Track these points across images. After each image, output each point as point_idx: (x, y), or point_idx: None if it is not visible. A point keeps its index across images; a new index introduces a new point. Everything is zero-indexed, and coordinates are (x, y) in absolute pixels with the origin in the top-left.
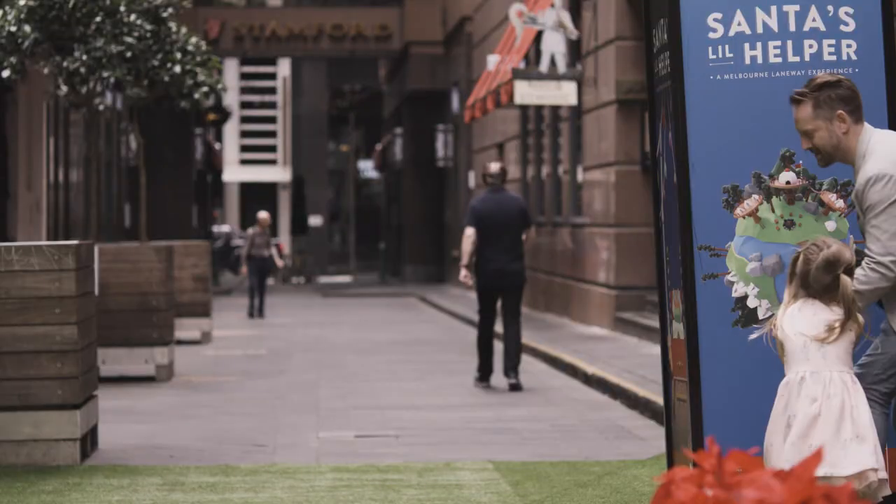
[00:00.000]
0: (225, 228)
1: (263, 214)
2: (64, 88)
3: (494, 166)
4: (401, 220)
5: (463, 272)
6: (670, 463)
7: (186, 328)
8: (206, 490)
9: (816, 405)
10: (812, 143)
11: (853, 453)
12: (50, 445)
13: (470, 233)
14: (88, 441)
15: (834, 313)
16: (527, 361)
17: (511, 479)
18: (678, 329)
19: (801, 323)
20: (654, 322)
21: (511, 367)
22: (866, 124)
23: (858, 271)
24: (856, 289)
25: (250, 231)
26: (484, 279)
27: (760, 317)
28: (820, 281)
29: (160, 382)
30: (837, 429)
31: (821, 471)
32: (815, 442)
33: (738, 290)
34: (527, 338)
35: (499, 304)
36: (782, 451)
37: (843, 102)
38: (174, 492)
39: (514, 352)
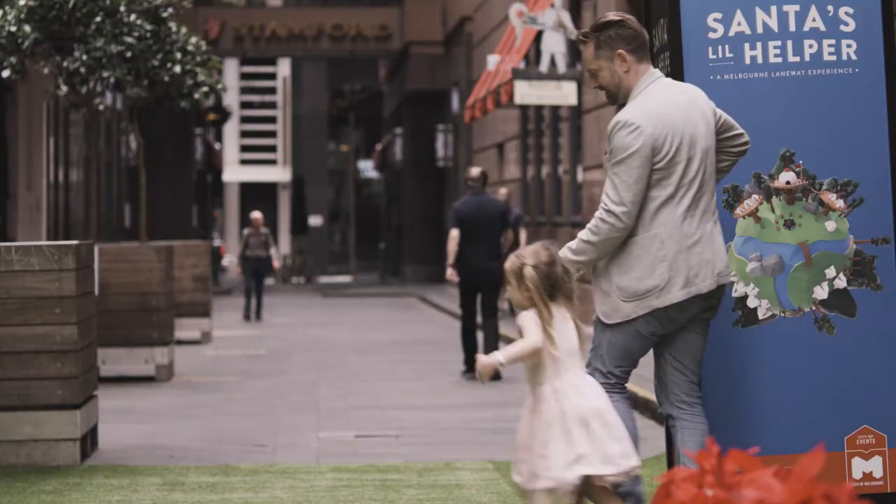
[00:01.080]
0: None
1: (256, 214)
2: (64, 88)
3: (475, 171)
4: (401, 220)
5: (449, 271)
6: (670, 463)
7: (186, 328)
8: (206, 490)
9: (589, 407)
10: (598, 82)
11: (620, 451)
12: (50, 445)
13: (454, 234)
14: (88, 441)
15: (570, 318)
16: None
17: (511, 479)
18: None
19: (563, 332)
20: None
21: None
22: (654, 69)
23: (591, 222)
24: (587, 239)
25: (245, 231)
26: (464, 277)
27: (760, 317)
28: (566, 284)
29: (160, 382)
30: (604, 430)
31: (590, 470)
32: (590, 444)
33: (738, 290)
34: None
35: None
36: (569, 454)
37: (625, 42)
38: (174, 492)
39: (492, 345)
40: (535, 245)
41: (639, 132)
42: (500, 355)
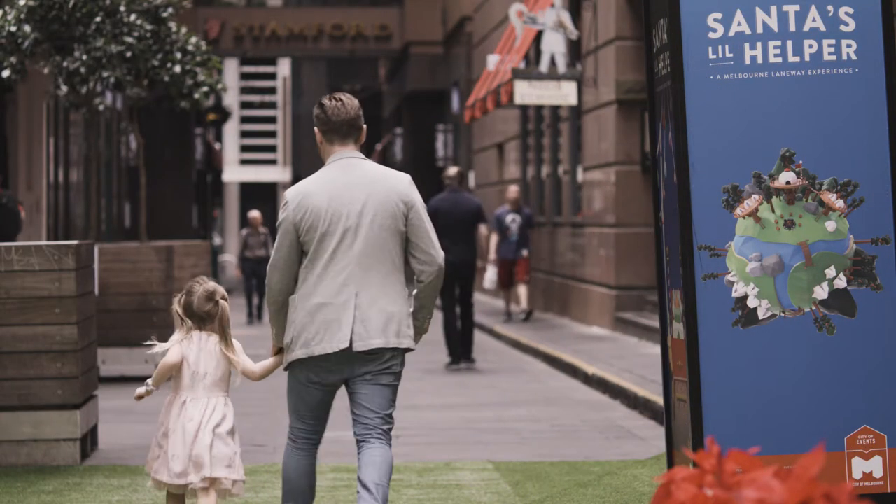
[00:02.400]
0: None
1: (255, 214)
2: (64, 88)
3: (452, 170)
4: None
5: None
6: (670, 463)
7: None
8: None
9: (192, 425)
10: None
11: (215, 464)
12: (50, 445)
13: None
14: (88, 441)
15: (215, 344)
16: (527, 361)
17: (511, 479)
18: (678, 329)
19: (192, 354)
20: (654, 322)
21: (465, 354)
22: (345, 152)
23: None
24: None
25: (243, 232)
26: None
27: (760, 317)
28: (202, 308)
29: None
30: (209, 445)
31: (165, 476)
32: (192, 452)
33: (738, 290)
34: (527, 338)
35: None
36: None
37: (319, 123)
38: None
39: (468, 338)
40: (213, 284)
41: (286, 207)
42: (150, 380)
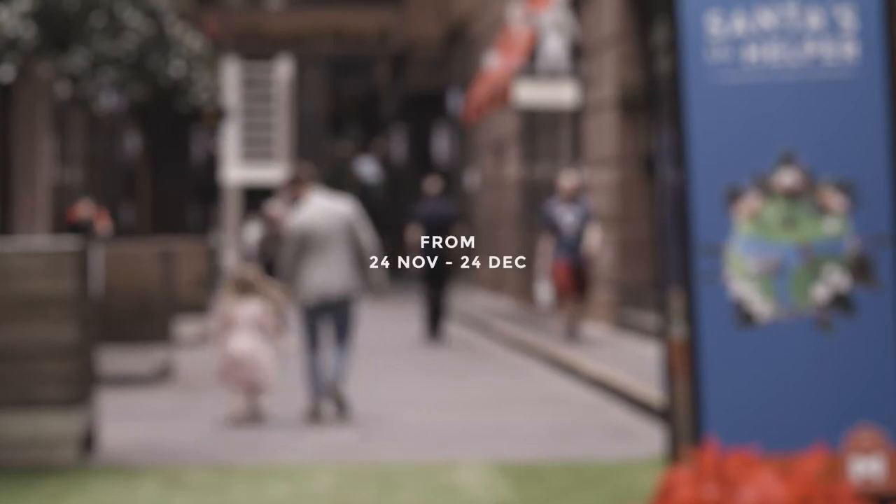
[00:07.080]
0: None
1: (274, 212)
2: (64, 88)
3: (433, 180)
4: (400, 220)
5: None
6: (671, 462)
7: (186, 328)
8: (206, 490)
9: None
10: None
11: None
12: (50, 445)
13: (412, 229)
14: (88, 441)
15: (255, 305)
16: (527, 361)
17: (511, 479)
18: (678, 329)
19: (242, 311)
20: (655, 322)
21: (437, 334)
22: (318, 191)
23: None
24: (280, 269)
25: (259, 230)
26: (426, 264)
27: (760, 317)
28: (255, 289)
29: (160, 382)
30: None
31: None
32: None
33: (738, 289)
34: (527, 337)
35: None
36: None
37: (301, 175)
38: (174, 492)
39: (445, 318)
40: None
41: (295, 225)
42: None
